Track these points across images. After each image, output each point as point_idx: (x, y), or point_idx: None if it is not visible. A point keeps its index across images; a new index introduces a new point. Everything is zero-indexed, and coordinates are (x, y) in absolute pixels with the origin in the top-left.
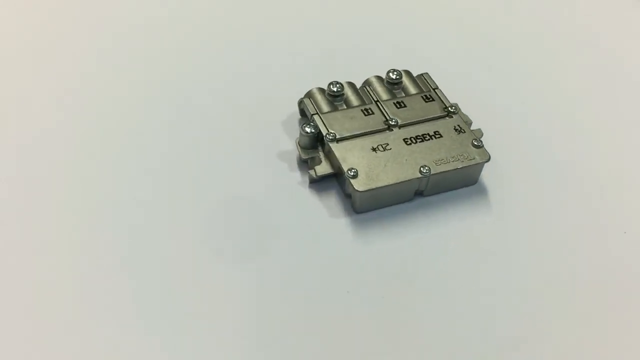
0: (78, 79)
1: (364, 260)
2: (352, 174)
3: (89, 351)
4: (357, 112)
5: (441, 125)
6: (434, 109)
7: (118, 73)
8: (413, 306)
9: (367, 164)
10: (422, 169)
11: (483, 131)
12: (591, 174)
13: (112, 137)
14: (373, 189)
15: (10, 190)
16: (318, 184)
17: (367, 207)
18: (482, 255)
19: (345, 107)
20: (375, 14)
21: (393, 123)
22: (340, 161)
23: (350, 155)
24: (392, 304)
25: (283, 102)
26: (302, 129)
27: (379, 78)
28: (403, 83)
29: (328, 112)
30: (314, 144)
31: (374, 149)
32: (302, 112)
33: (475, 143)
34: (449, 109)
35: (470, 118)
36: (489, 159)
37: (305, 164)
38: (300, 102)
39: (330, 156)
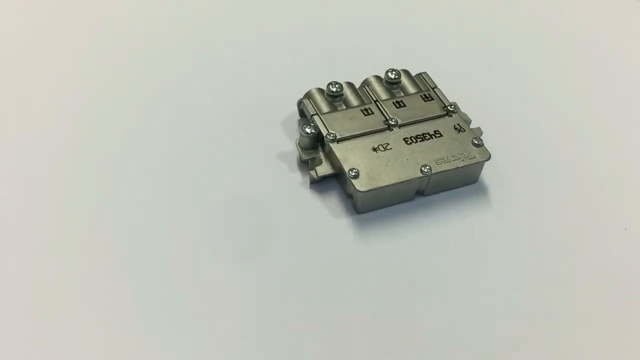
0: (78, 79)
1: (364, 260)
2: (353, 174)
3: (89, 351)
4: (357, 112)
5: (441, 125)
6: (434, 108)
7: (118, 73)
8: (413, 306)
9: (368, 164)
10: (423, 168)
11: (483, 131)
12: (591, 174)
13: (112, 137)
14: (375, 189)
15: (10, 190)
16: (319, 184)
17: (369, 207)
18: (482, 254)
19: (345, 108)
20: (375, 14)
21: (393, 123)
22: (341, 161)
23: (351, 156)
24: (392, 304)
25: (283, 102)
26: (302, 129)
27: (377, 78)
28: (402, 82)
29: (328, 112)
30: (314, 145)
31: (374, 149)
32: (302, 113)
33: (475, 142)
34: (448, 108)
35: (471, 118)
36: (489, 158)
37: (306, 165)
38: (300, 103)
39: (330, 157)
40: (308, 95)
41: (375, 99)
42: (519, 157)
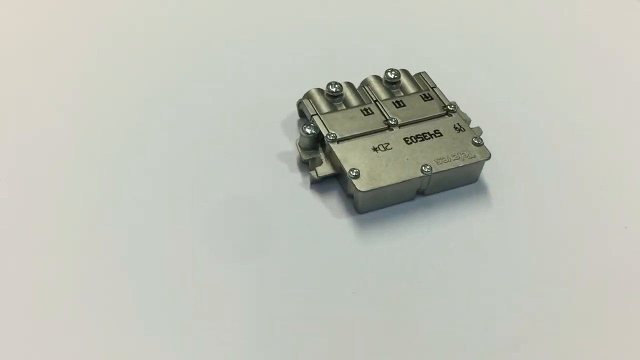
0: (78, 79)
1: (364, 260)
2: (354, 174)
3: (89, 351)
4: (357, 112)
5: (441, 124)
6: (433, 108)
7: (118, 73)
8: (413, 306)
9: (368, 164)
10: (423, 167)
11: (483, 131)
12: (591, 174)
13: (112, 137)
14: (376, 189)
15: (10, 190)
16: (319, 184)
17: (370, 207)
18: (482, 254)
19: (345, 108)
20: (375, 14)
21: (393, 122)
22: (342, 162)
23: (351, 156)
24: (392, 304)
25: (283, 103)
26: (303, 130)
27: (377, 78)
28: (401, 82)
29: (327, 112)
30: (315, 145)
31: (374, 149)
32: (301, 113)
33: (476, 141)
34: (448, 107)
35: (471, 118)
36: (489, 157)
37: (306, 165)
38: (299, 103)
39: (331, 157)
40: (308, 96)
41: (375, 99)
42: (519, 157)
